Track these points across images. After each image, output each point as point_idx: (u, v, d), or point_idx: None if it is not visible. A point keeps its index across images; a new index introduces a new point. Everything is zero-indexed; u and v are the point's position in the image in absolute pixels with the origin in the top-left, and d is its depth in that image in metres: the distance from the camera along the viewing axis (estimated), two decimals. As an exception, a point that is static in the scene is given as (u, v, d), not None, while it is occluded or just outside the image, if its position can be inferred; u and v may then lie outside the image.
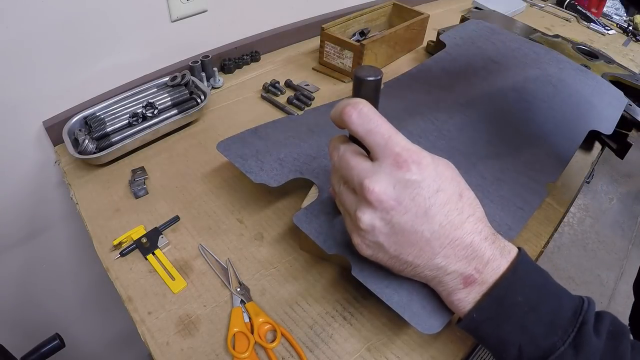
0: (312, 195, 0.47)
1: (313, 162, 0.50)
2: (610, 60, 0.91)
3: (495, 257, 0.30)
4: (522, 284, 0.30)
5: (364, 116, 0.29)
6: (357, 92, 0.32)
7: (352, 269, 0.38)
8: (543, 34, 0.98)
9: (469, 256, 0.30)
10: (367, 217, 0.29)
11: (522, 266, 0.30)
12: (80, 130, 0.62)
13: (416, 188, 0.28)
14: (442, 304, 0.35)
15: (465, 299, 0.31)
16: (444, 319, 0.35)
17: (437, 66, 0.69)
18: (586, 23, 1.28)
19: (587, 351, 0.27)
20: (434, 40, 0.94)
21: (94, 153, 0.59)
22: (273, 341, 0.41)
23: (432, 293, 0.36)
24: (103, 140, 0.61)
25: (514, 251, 0.32)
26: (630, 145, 0.67)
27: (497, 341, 0.30)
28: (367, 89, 0.32)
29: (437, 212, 0.28)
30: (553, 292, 0.31)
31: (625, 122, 0.66)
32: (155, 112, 0.65)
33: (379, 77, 0.32)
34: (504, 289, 0.30)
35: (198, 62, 0.74)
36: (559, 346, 0.28)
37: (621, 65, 0.90)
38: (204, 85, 0.71)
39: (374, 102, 0.32)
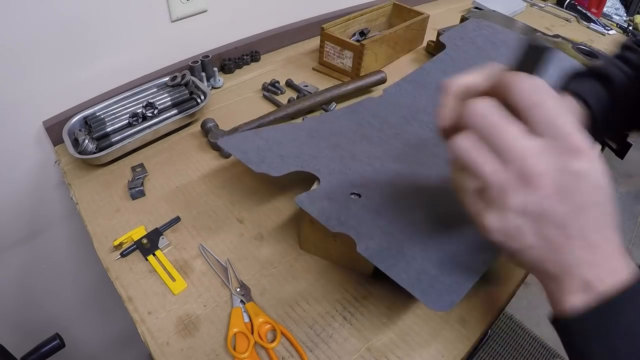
0: (314, 188, 0.48)
1: (314, 161, 0.50)
2: (610, 60, 0.91)
3: (621, 270, 0.28)
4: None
5: (536, 88, 0.26)
6: (529, 61, 0.28)
7: (357, 247, 0.37)
8: (543, 34, 0.98)
9: (600, 264, 0.27)
10: (519, 199, 0.26)
11: None
12: (80, 130, 0.62)
13: (582, 180, 0.25)
14: (450, 284, 0.35)
15: (575, 303, 0.28)
16: (454, 299, 0.35)
17: (437, 69, 0.69)
18: (586, 23, 1.28)
19: None
20: (434, 40, 0.94)
21: (94, 153, 0.59)
22: (273, 341, 0.41)
23: (440, 274, 0.36)
24: (103, 140, 0.61)
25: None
26: (630, 145, 0.67)
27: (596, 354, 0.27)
28: (539, 58, 0.27)
29: (592, 210, 0.26)
30: None
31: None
32: (155, 112, 0.65)
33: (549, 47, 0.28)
34: (620, 305, 0.27)
35: (198, 62, 0.74)
36: None
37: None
38: (204, 85, 0.71)
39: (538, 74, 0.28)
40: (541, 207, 0.26)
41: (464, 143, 0.28)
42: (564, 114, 0.25)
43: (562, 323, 0.29)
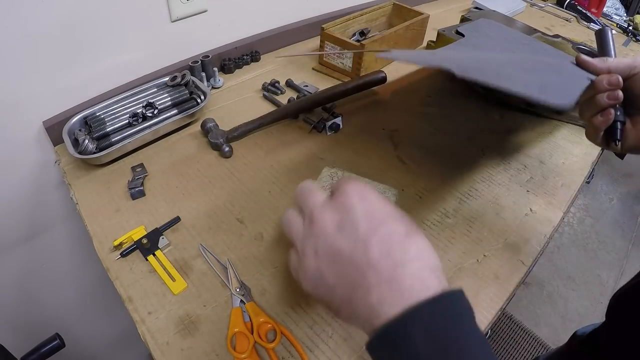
0: (323, 175, 0.47)
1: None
2: (610, 60, 0.91)
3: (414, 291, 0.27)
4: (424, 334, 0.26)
5: (342, 182, 0.33)
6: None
7: (455, 71, 0.34)
8: (543, 34, 0.98)
9: (401, 303, 0.27)
10: (311, 242, 0.30)
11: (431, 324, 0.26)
12: (80, 130, 0.62)
13: (357, 214, 0.29)
14: (560, 86, 0.37)
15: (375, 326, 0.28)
16: (574, 94, 0.36)
17: (460, 50, 0.70)
18: (586, 23, 1.28)
19: None
20: (434, 40, 0.94)
21: (94, 153, 0.59)
22: (273, 341, 0.41)
23: (545, 83, 0.37)
24: (103, 140, 0.61)
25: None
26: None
27: None
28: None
29: (377, 242, 0.28)
30: None
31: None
32: (155, 112, 0.65)
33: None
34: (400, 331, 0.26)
35: (198, 62, 0.74)
36: None
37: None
38: (204, 85, 0.71)
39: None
40: (328, 245, 0.29)
41: (285, 215, 0.34)
42: (352, 191, 0.31)
43: (369, 345, 0.29)
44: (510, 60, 0.47)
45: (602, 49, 0.50)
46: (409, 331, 0.26)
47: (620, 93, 0.41)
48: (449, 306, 0.27)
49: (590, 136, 0.45)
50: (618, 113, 0.42)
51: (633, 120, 0.43)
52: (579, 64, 0.46)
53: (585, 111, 0.44)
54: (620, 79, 0.41)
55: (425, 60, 0.40)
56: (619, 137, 0.42)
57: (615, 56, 0.48)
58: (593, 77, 0.43)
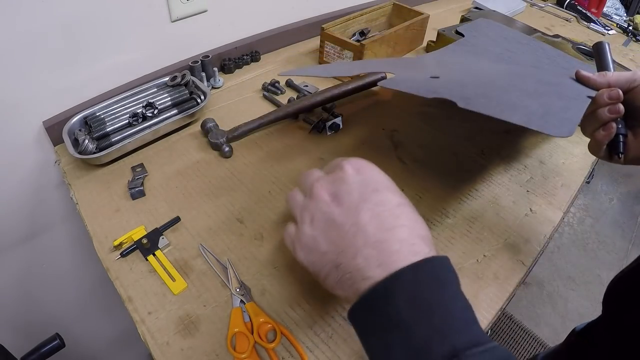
0: None
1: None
2: (610, 60, 0.91)
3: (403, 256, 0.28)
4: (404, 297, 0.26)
5: (337, 162, 0.36)
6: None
7: (457, 104, 0.37)
8: (543, 34, 0.98)
9: (388, 265, 0.27)
10: (309, 211, 0.32)
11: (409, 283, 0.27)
12: (80, 130, 0.62)
13: (352, 184, 0.31)
14: (560, 112, 0.37)
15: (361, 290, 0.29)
16: (573, 121, 0.36)
17: (461, 50, 0.70)
18: (586, 23, 1.28)
19: None
20: (434, 40, 0.94)
21: (94, 153, 0.59)
22: (273, 341, 0.41)
23: (546, 109, 0.37)
24: (103, 140, 0.61)
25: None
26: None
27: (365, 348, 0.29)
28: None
29: (368, 208, 0.29)
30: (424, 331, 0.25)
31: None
32: (155, 112, 0.65)
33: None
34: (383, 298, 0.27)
35: (198, 62, 0.74)
36: None
37: (621, 66, 0.90)
38: (204, 85, 0.71)
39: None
40: (323, 213, 0.31)
41: (290, 193, 0.37)
42: (349, 164, 0.33)
43: (350, 312, 0.30)
44: (513, 80, 0.47)
45: (601, 63, 0.50)
46: (391, 293, 0.26)
47: (622, 106, 0.41)
48: (434, 270, 0.28)
49: (593, 150, 0.46)
50: (619, 126, 0.42)
51: (634, 132, 0.43)
52: (579, 79, 0.47)
53: (587, 126, 0.45)
54: (621, 92, 0.42)
55: (429, 90, 0.40)
56: (621, 150, 0.43)
57: (613, 69, 0.48)
58: (593, 93, 0.43)
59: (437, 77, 0.45)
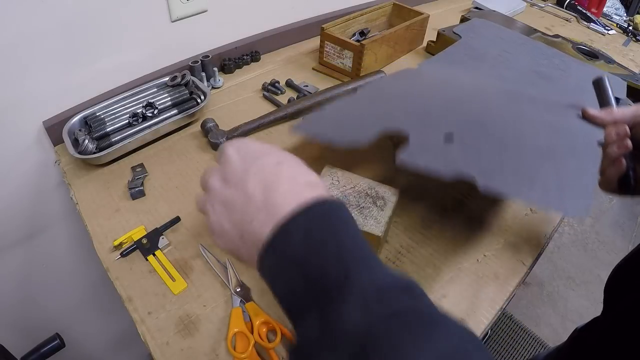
0: (323, 175, 0.48)
1: (391, 120, 0.48)
2: (610, 60, 0.91)
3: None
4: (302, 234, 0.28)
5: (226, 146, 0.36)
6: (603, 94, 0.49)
7: (479, 186, 0.36)
8: (543, 34, 0.99)
9: (278, 218, 0.29)
10: (209, 204, 0.33)
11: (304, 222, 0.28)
12: (80, 130, 0.62)
13: (234, 163, 0.32)
14: (577, 189, 0.38)
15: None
16: (587, 202, 0.37)
17: (459, 52, 0.71)
18: (586, 23, 1.28)
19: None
20: (434, 40, 0.94)
21: (94, 153, 0.59)
22: (273, 341, 0.41)
23: (562, 185, 0.38)
24: (103, 140, 0.61)
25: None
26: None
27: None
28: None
29: (252, 177, 0.31)
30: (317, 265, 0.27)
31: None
32: (155, 112, 0.65)
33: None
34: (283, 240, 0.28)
35: (198, 62, 0.74)
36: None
37: (621, 65, 0.90)
38: (204, 85, 0.71)
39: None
40: (218, 198, 0.33)
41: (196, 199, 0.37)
42: (229, 147, 0.34)
43: (258, 268, 0.31)
44: (525, 127, 0.48)
45: (602, 98, 0.50)
46: (286, 236, 0.28)
47: (630, 142, 0.42)
48: (326, 210, 0.29)
49: (605, 186, 0.46)
50: (628, 160, 0.43)
51: None
52: (586, 118, 0.48)
53: None
54: (627, 128, 0.42)
55: (447, 167, 0.40)
56: (632, 183, 0.43)
57: (614, 104, 0.49)
58: (601, 136, 0.44)
59: (451, 135, 0.44)
